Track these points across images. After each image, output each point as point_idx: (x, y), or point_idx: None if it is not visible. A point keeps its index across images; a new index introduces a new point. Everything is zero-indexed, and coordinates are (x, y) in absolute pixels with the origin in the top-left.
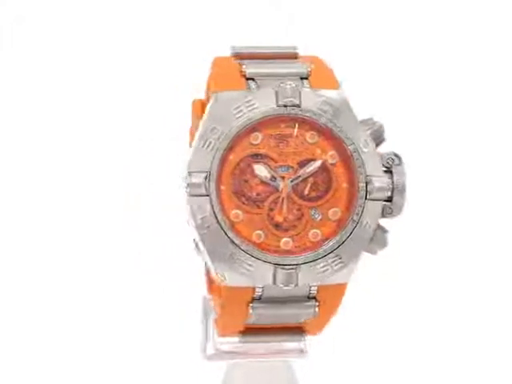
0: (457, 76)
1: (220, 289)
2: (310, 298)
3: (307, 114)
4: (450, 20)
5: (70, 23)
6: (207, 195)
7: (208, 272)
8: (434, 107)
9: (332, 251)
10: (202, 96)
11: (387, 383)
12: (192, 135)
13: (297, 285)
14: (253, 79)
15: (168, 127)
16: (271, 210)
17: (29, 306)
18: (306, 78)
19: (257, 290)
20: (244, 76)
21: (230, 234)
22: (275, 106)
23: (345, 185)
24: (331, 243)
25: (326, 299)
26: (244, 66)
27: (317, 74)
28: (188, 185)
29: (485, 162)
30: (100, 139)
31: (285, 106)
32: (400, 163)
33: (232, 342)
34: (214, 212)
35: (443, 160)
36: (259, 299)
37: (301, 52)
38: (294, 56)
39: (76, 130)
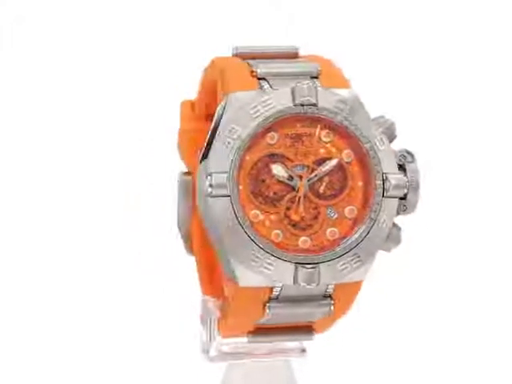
0: (457, 69)
1: (230, 290)
2: (325, 296)
3: (324, 113)
4: (447, 16)
5: (70, 23)
6: (228, 196)
7: (207, 273)
8: (434, 105)
9: (351, 249)
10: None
11: (387, 383)
12: (182, 136)
13: (318, 283)
14: (264, 79)
15: (168, 127)
16: (288, 209)
17: (27, 305)
18: (317, 77)
19: (275, 289)
20: (255, 76)
21: (251, 234)
22: (292, 105)
23: (360, 183)
24: (349, 241)
25: (341, 297)
26: (255, 66)
27: (326, 73)
28: (211, 186)
29: (492, 158)
30: (100, 139)
31: (301, 105)
32: (413, 160)
33: (233, 343)
34: (235, 212)
35: (447, 155)
36: (276, 299)
37: (301, 52)
38: (295, 56)
39: (76, 129)
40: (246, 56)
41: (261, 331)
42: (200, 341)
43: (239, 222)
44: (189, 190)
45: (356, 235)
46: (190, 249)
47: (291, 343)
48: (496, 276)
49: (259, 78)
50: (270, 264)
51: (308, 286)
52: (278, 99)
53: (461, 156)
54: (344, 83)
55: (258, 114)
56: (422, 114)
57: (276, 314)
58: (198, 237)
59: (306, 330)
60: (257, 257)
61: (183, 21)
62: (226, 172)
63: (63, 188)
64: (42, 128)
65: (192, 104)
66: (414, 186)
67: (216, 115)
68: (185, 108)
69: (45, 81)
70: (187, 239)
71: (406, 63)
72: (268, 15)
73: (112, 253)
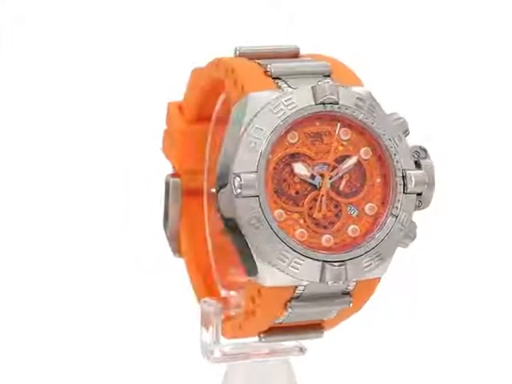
0: (456, 67)
1: (251, 290)
2: (344, 293)
3: (347, 111)
4: (446, 14)
5: (70, 23)
6: (257, 196)
7: (200, 275)
8: (434, 103)
9: (375, 246)
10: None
11: (388, 383)
12: (173, 138)
13: (346, 281)
14: (279, 78)
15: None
16: (310, 208)
17: (26, 306)
18: (329, 76)
19: (299, 288)
20: (270, 76)
21: (280, 234)
22: (314, 103)
23: (378, 180)
24: (374, 239)
25: (359, 294)
26: (268, 66)
27: (338, 72)
28: (240, 186)
29: (498, 154)
30: (100, 139)
31: (323, 103)
32: (426, 156)
33: (236, 344)
34: (263, 212)
35: (452, 151)
36: (297, 297)
37: (302, 51)
38: (297, 55)
39: (76, 129)
40: (252, 56)
41: (273, 331)
42: (201, 343)
43: (268, 221)
44: (177, 191)
45: (380, 232)
46: (177, 250)
47: (290, 343)
48: (499, 276)
49: (274, 78)
50: (297, 263)
51: (335, 284)
52: (300, 98)
53: (467, 152)
54: (357, 81)
55: (282, 113)
56: (422, 112)
57: (295, 313)
58: (187, 238)
59: (316, 327)
60: (285, 256)
61: (183, 21)
62: (253, 172)
63: (63, 188)
64: (42, 128)
65: (180, 106)
66: (430, 182)
67: (234, 115)
68: (173, 109)
69: (45, 80)
70: (174, 240)
71: (407, 62)
72: (268, 15)
73: (112, 252)
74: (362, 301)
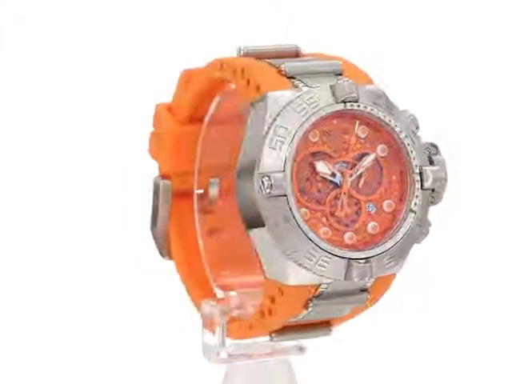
0: (456, 65)
1: (271, 290)
2: (362, 290)
3: (366, 109)
4: (445, 13)
5: (70, 23)
6: (284, 195)
7: (194, 278)
8: (434, 100)
9: (396, 243)
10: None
11: (388, 383)
12: (156, 139)
13: (371, 278)
14: (293, 77)
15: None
16: (331, 206)
17: (26, 308)
18: (340, 74)
19: (322, 286)
20: (284, 75)
21: (308, 233)
22: (334, 102)
23: (394, 177)
24: (394, 235)
25: (375, 291)
26: (281, 66)
27: (349, 71)
28: (270, 186)
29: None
30: (99, 139)
31: (344, 101)
32: (437, 152)
33: (238, 344)
34: (292, 211)
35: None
36: (318, 296)
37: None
38: (298, 54)
39: (76, 129)
40: (259, 56)
41: (285, 330)
42: (203, 344)
43: (296, 221)
44: (168, 193)
45: (401, 229)
46: (166, 252)
47: (290, 342)
48: (505, 272)
49: (288, 77)
50: (325, 261)
51: (360, 281)
52: (321, 97)
53: (469, 150)
54: (368, 79)
55: (305, 112)
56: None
57: (314, 311)
58: (177, 240)
59: (324, 325)
60: (313, 255)
61: (183, 21)
62: (281, 171)
63: (63, 188)
64: (42, 127)
65: (168, 107)
66: (444, 178)
67: (252, 115)
68: (162, 111)
69: (45, 80)
70: (163, 243)
71: (407, 61)
72: (268, 15)
73: (112, 253)
74: (377, 297)
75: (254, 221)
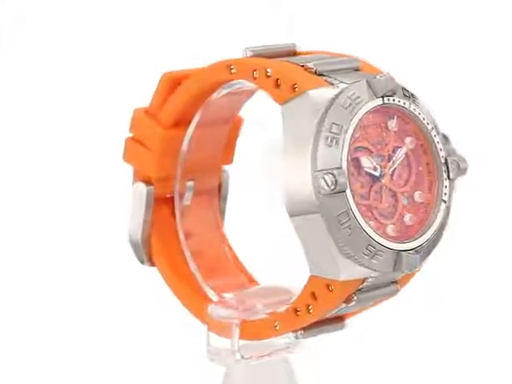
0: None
1: (316, 286)
2: (393, 282)
3: (400, 103)
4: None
5: (70, 23)
6: (343, 191)
7: (186, 282)
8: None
9: (434, 233)
10: None
11: (388, 382)
12: (135, 145)
13: (420, 269)
14: (322, 75)
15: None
16: (374, 199)
17: (26, 309)
18: (358, 70)
19: (369, 279)
20: (314, 73)
21: (366, 228)
22: (374, 97)
23: (421, 168)
24: (432, 225)
25: (401, 282)
26: (310, 64)
27: (366, 68)
28: (333, 183)
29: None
30: (99, 139)
31: (382, 96)
32: (449, 143)
33: (248, 345)
34: (351, 207)
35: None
36: (361, 290)
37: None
38: (295, 53)
39: (76, 129)
40: (270, 55)
41: (311, 327)
42: (211, 348)
43: (355, 216)
44: (151, 199)
45: (438, 219)
46: (148, 259)
47: (280, 340)
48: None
49: (318, 75)
50: (379, 255)
51: (409, 272)
52: (361, 93)
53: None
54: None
55: (352, 108)
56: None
57: (354, 305)
58: (160, 246)
59: (339, 320)
60: (370, 250)
61: (183, 21)
62: (339, 168)
63: (63, 189)
64: (42, 127)
65: (146, 112)
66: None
67: (291, 114)
68: (141, 115)
69: (44, 80)
70: (145, 249)
71: (407, 61)
72: (268, 15)
73: (113, 253)
74: (402, 288)
75: (306, 218)
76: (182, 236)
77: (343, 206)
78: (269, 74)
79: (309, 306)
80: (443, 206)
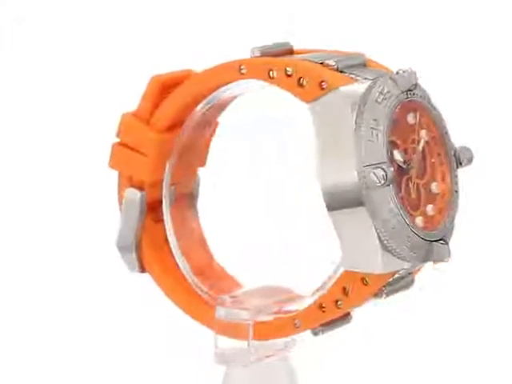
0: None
1: (348, 282)
2: (409, 273)
3: (420, 97)
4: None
5: (70, 23)
6: (389, 184)
7: (183, 287)
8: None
9: (452, 222)
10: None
11: (388, 382)
12: (124, 150)
13: (449, 258)
14: (344, 72)
15: None
16: (404, 191)
17: (26, 311)
18: (365, 66)
19: (400, 272)
20: (336, 70)
21: (407, 219)
22: (400, 92)
23: (433, 159)
24: (452, 215)
25: (416, 272)
26: (329, 61)
27: (371, 63)
28: (383, 177)
29: None
30: (99, 138)
31: (406, 91)
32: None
33: (260, 345)
34: (396, 201)
35: None
36: (390, 282)
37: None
38: (292, 51)
39: (75, 129)
40: (277, 54)
41: (329, 323)
42: (222, 350)
43: (398, 209)
44: (144, 204)
45: (454, 208)
46: (140, 266)
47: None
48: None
49: (340, 71)
50: (418, 247)
51: (441, 263)
52: (389, 88)
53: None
54: (390, 70)
55: (385, 102)
56: None
57: (382, 297)
58: (151, 251)
59: (347, 315)
60: (409, 241)
61: (182, 21)
62: (384, 162)
63: (63, 189)
64: (42, 127)
65: (135, 115)
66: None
67: (323, 111)
68: (132, 120)
69: (44, 80)
70: (136, 254)
71: (406, 61)
72: (268, 14)
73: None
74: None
75: (348, 213)
76: (172, 240)
77: (389, 199)
78: (289, 73)
79: (338, 301)
80: (456, 195)
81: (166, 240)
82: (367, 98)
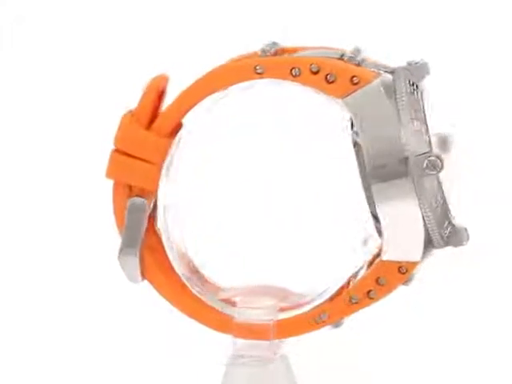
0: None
1: (385, 272)
2: None
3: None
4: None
5: (70, 23)
6: (440, 172)
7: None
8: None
9: None
10: None
11: (388, 382)
12: (123, 157)
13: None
14: (360, 65)
15: None
16: None
17: (26, 312)
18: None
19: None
20: (358, 64)
21: (446, 206)
22: (417, 82)
23: None
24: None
25: None
26: (347, 57)
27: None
28: (441, 165)
29: None
30: (99, 138)
31: (419, 81)
32: None
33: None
34: (441, 187)
35: None
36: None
37: None
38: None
39: (75, 129)
40: (282, 52)
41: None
42: (238, 352)
43: (443, 196)
44: (147, 212)
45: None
46: (141, 273)
47: None
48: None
49: (357, 65)
50: (451, 231)
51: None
52: (413, 79)
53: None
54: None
55: (415, 93)
56: None
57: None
58: (152, 259)
59: None
60: (446, 227)
61: (183, 21)
62: (429, 151)
63: (63, 189)
64: (42, 127)
65: (135, 121)
66: None
67: (362, 103)
68: (129, 126)
69: (44, 80)
70: (140, 264)
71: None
72: (268, 14)
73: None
74: None
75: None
76: (167, 245)
77: (436, 187)
78: (314, 70)
79: (370, 291)
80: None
81: (162, 244)
82: (401, 89)
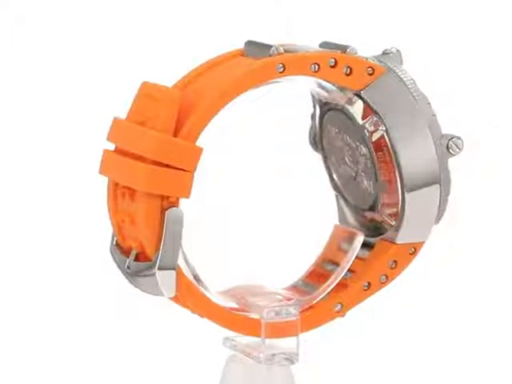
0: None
1: (399, 255)
2: None
3: None
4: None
5: (70, 23)
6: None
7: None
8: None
9: None
10: None
11: (387, 382)
12: (160, 170)
13: None
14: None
15: None
16: None
17: (26, 312)
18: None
19: None
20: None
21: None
22: None
23: None
24: None
25: None
26: (349, 49)
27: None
28: (461, 145)
29: None
30: (98, 138)
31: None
32: None
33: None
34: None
35: None
36: None
37: None
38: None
39: (75, 129)
40: (295, 50)
41: None
42: (269, 352)
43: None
44: (181, 221)
45: None
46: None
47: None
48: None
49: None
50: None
51: None
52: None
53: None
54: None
55: (413, 81)
56: None
57: None
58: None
59: None
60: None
61: (182, 21)
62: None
63: (63, 189)
64: (42, 127)
65: (162, 130)
66: None
67: (380, 95)
68: (162, 137)
69: (44, 80)
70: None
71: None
72: (268, 13)
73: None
74: None
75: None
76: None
77: (449, 171)
78: (332, 64)
79: (382, 276)
80: None
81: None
82: (406, 77)
